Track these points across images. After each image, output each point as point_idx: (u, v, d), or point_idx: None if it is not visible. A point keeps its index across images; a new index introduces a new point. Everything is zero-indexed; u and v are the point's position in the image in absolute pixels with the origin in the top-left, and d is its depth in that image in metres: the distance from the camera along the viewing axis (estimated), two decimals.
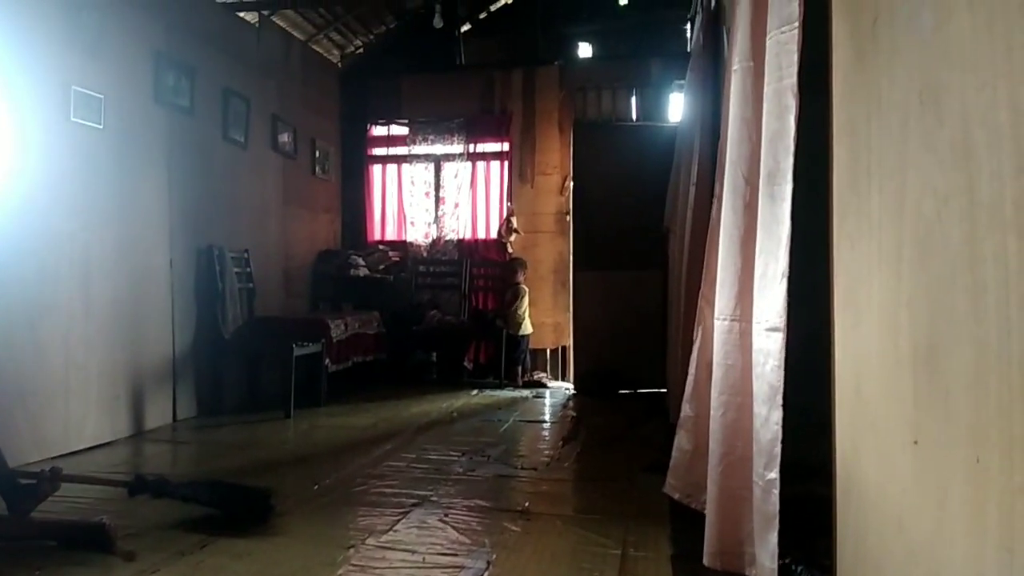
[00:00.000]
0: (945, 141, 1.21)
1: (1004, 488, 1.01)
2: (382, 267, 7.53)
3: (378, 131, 8.10)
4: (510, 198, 7.64)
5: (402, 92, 7.93)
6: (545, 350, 7.59)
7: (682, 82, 6.04)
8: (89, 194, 4.46)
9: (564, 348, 7.59)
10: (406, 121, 7.91)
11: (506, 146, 7.69)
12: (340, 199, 7.98)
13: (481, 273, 7.68)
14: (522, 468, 4.03)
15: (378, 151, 8.10)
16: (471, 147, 7.74)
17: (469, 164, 7.75)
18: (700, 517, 2.53)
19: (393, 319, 7.22)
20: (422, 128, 7.84)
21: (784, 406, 1.99)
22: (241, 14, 6.36)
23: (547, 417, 5.75)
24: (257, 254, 6.20)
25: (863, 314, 1.67)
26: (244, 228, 6.14)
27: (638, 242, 6.48)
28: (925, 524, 1.30)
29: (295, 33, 7.21)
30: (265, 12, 6.58)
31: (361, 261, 7.38)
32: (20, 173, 3.99)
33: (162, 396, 5.14)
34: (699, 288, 3.00)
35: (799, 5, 1.93)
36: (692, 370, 2.97)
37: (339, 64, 8.08)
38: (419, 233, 7.87)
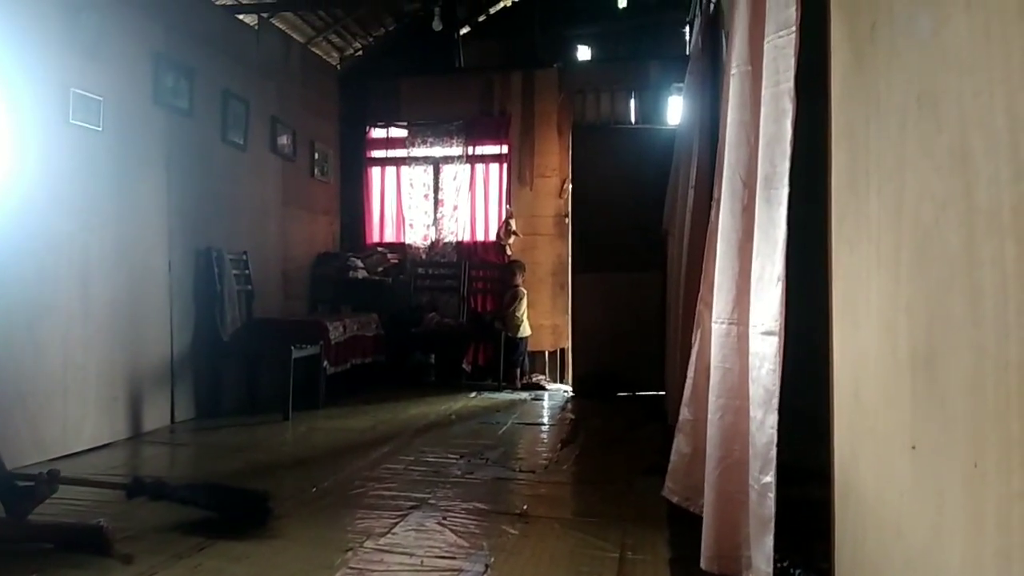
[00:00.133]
0: (943, 146, 1.22)
1: (1002, 494, 1.01)
2: (381, 269, 7.53)
3: (377, 133, 8.10)
4: (509, 200, 7.65)
5: (401, 94, 7.94)
6: (544, 352, 7.59)
7: (681, 85, 6.04)
8: (88, 196, 4.46)
9: (563, 350, 7.59)
10: (405, 123, 7.91)
11: (505, 148, 7.70)
12: (339, 201, 7.98)
13: (480, 275, 7.68)
14: (520, 471, 4.03)
15: (377, 153, 8.10)
16: (470, 149, 7.74)
17: (468, 166, 7.75)
18: (699, 521, 2.53)
19: (392, 321, 7.22)
20: (421, 130, 7.84)
21: (781, 409, 1.99)
22: (240, 16, 6.36)
23: (545, 419, 5.75)
24: (256, 256, 6.20)
25: (861, 318, 1.67)
26: (243, 230, 6.14)
27: (637, 244, 6.48)
28: (923, 529, 1.30)
29: (294, 35, 7.21)
30: (264, 14, 6.59)
31: (360, 263, 7.38)
32: (19, 175, 3.99)
33: (160, 398, 5.13)
34: (698, 291, 3.00)
35: (796, 10, 1.94)
36: (691, 373, 2.97)
37: (338, 66, 8.08)
38: (418, 235, 7.87)
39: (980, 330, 1.07)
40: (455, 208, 7.78)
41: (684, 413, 3.00)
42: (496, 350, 7.12)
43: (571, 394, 6.85)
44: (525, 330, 7.21)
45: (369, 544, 2.85)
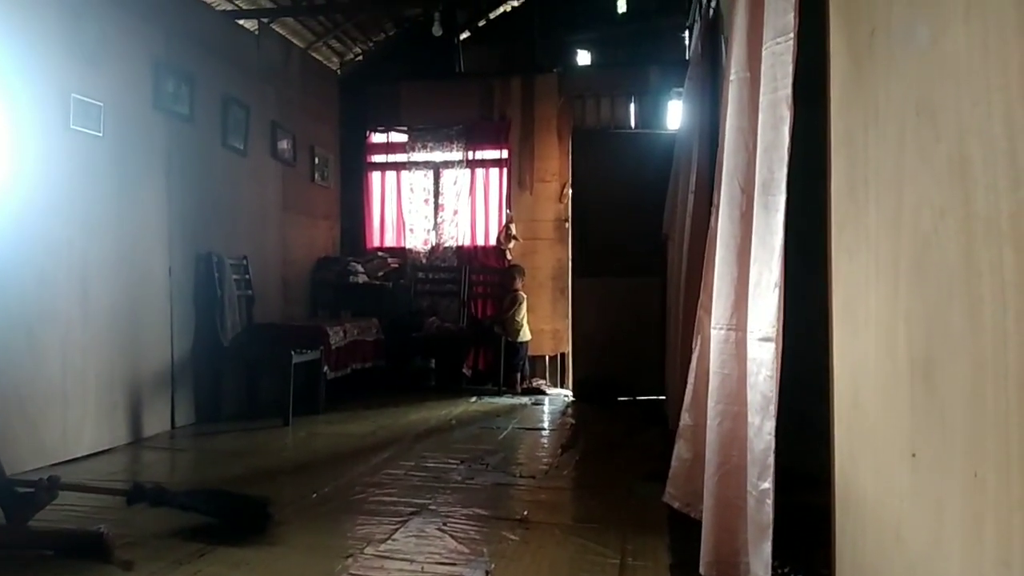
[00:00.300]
0: (942, 154, 1.22)
1: (1001, 503, 1.01)
2: (381, 274, 7.53)
3: (377, 138, 8.11)
4: (509, 205, 7.65)
5: (401, 99, 7.95)
6: (544, 357, 7.59)
7: (680, 89, 6.06)
8: (88, 201, 4.47)
9: (563, 355, 7.59)
10: (405, 128, 7.92)
11: (505, 153, 7.71)
12: (339, 206, 7.98)
13: (480, 280, 7.69)
14: (521, 476, 4.03)
15: (377, 158, 8.11)
16: (470, 154, 7.75)
17: (468, 171, 7.76)
18: (699, 526, 2.52)
19: (392, 326, 7.22)
20: (421, 135, 7.85)
21: (779, 415, 1.99)
22: (241, 21, 6.37)
23: (546, 424, 5.75)
24: (256, 261, 6.20)
25: (861, 326, 1.67)
26: (243, 235, 6.14)
27: (637, 249, 6.48)
28: (923, 537, 1.30)
29: (295, 40, 7.22)
30: (265, 20, 6.60)
31: (360, 268, 7.38)
32: (19, 180, 4.00)
33: (160, 403, 5.13)
34: (698, 296, 3.00)
35: (794, 16, 1.94)
36: (691, 379, 2.97)
37: (338, 71, 8.10)
38: (418, 240, 7.88)
39: (979, 339, 1.07)
40: (455, 213, 7.79)
41: (685, 418, 3.00)
42: (496, 355, 7.12)
43: (571, 399, 6.85)
44: (525, 334, 7.21)
45: (369, 550, 2.85)
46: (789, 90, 1.95)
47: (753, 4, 2.38)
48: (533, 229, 7.63)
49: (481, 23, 8.32)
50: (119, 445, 4.66)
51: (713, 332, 2.55)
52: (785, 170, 1.96)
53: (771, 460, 1.97)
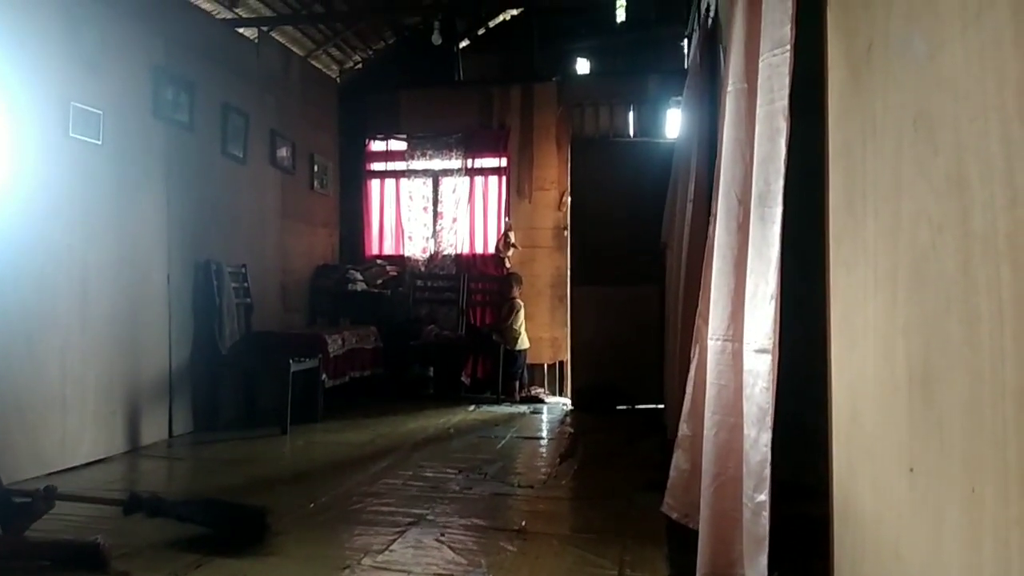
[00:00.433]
0: (939, 169, 1.22)
1: (999, 520, 1.00)
2: (380, 282, 7.53)
3: (376, 146, 8.13)
4: (508, 213, 7.66)
5: (401, 107, 7.96)
6: (543, 365, 7.58)
7: (679, 98, 6.07)
8: (87, 209, 4.47)
9: (562, 363, 7.58)
10: (404, 136, 7.94)
11: (504, 161, 7.72)
12: (338, 213, 7.99)
13: (479, 288, 7.69)
14: (519, 486, 4.02)
15: (376, 166, 8.12)
16: (469, 162, 7.77)
17: (467, 179, 7.78)
18: (697, 537, 2.52)
19: (391, 334, 7.21)
20: (420, 143, 7.86)
21: (776, 427, 1.98)
22: (241, 30, 6.39)
23: (544, 433, 5.74)
24: (255, 269, 6.20)
25: (859, 339, 1.67)
26: (242, 243, 6.14)
27: (636, 257, 6.49)
28: (921, 553, 1.30)
29: (294, 48, 7.24)
30: (264, 28, 6.62)
31: (359, 276, 7.39)
32: (18, 188, 4.00)
33: (158, 411, 5.12)
34: (696, 305, 3.00)
35: (791, 29, 1.94)
36: (689, 389, 2.97)
37: (338, 79, 8.11)
38: (417, 248, 7.88)
39: (977, 355, 1.07)
40: (454, 221, 7.79)
41: (683, 429, 2.99)
42: (495, 363, 7.12)
43: (570, 407, 6.84)
44: (523, 342, 7.20)
45: (367, 561, 2.84)
46: (786, 102, 1.95)
47: (750, 15, 2.38)
48: (532, 237, 7.63)
49: (480, 32, 8.36)
50: (117, 453, 4.65)
51: (710, 343, 2.55)
52: (782, 182, 1.96)
53: (767, 472, 1.97)
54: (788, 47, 1.95)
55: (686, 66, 6.10)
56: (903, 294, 1.39)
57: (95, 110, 4.50)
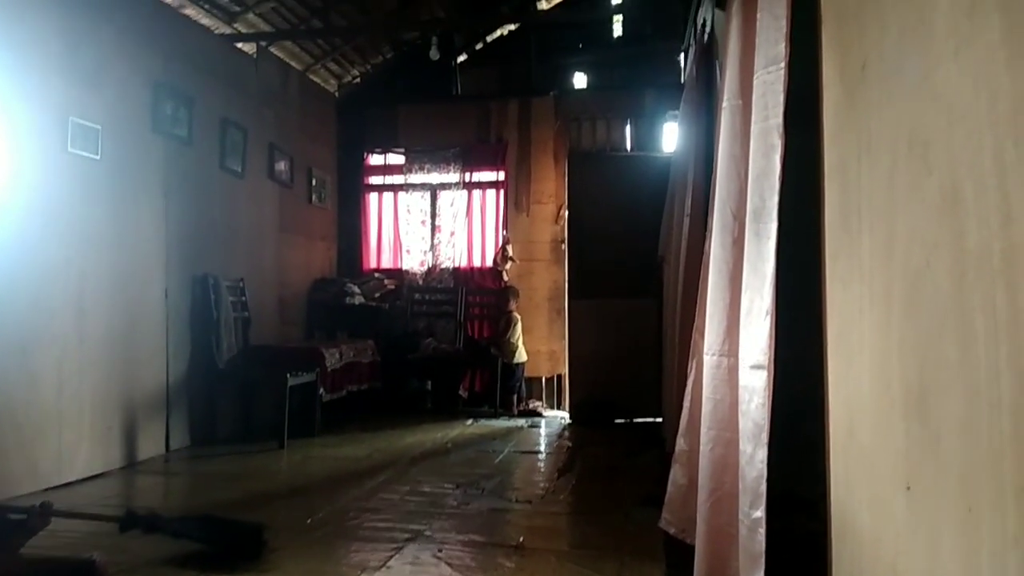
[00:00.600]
0: (934, 188, 1.22)
1: (996, 540, 1.00)
2: (378, 295, 7.53)
3: (375, 160, 8.15)
4: (505, 226, 7.68)
5: (399, 121, 7.99)
6: (541, 378, 7.57)
7: (676, 112, 6.08)
8: (85, 224, 4.47)
9: (560, 376, 7.57)
10: (403, 150, 7.96)
11: (502, 175, 7.74)
12: (336, 227, 8.00)
13: (477, 301, 7.69)
14: (517, 501, 4.00)
15: (375, 179, 8.14)
16: (467, 176, 7.79)
17: (465, 193, 7.79)
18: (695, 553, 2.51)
19: (388, 347, 7.20)
20: (418, 157, 7.88)
21: (774, 441, 1.98)
22: (239, 45, 6.41)
23: (542, 447, 5.73)
24: (253, 282, 6.20)
25: (855, 356, 1.67)
26: (240, 256, 6.14)
27: (633, 270, 6.50)
28: (919, 572, 1.30)
29: (293, 63, 7.26)
30: (263, 43, 6.64)
31: (356, 289, 7.38)
32: (16, 203, 4.00)
33: (155, 426, 5.11)
34: (693, 319, 3.00)
35: (785, 46, 1.96)
36: (687, 403, 2.96)
37: (336, 93, 8.14)
38: (415, 261, 7.88)
39: (972, 374, 1.07)
40: (452, 234, 7.80)
41: (680, 444, 2.99)
42: (493, 376, 7.11)
43: (568, 421, 6.83)
44: (521, 356, 7.19)
45: None
46: (780, 119, 1.96)
47: (745, 33, 2.40)
48: (530, 250, 7.64)
49: (478, 46, 8.40)
50: (113, 469, 4.63)
51: (706, 358, 2.55)
52: (776, 198, 1.97)
53: (763, 488, 1.96)
54: (782, 65, 1.97)
55: (682, 80, 6.13)
56: (898, 311, 1.39)
57: (94, 125, 4.51)
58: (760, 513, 1.97)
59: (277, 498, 4.12)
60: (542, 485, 4.41)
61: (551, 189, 7.63)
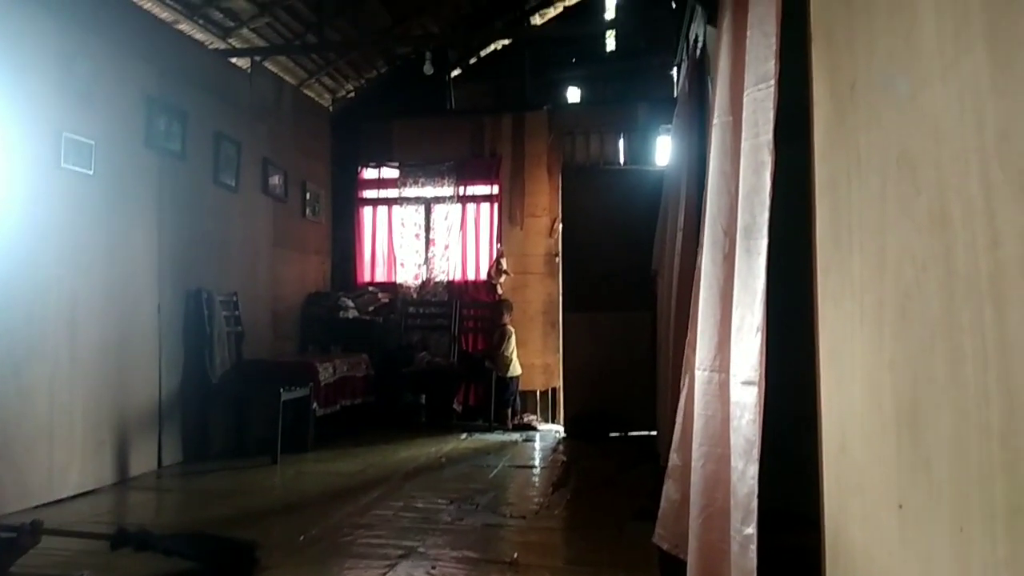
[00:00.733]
0: (922, 208, 1.23)
1: (987, 560, 1.01)
2: (372, 309, 7.51)
3: (369, 174, 8.16)
4: (499, 240, 7.68)
5: (393, 136, 8.01)
6: (535, 392, 7.56)
7: (669, 126, 6.12)
8: (78, 239, 4.46)
9: (554, 390, 7.56)
10: (397, 164, 7.97)
11: (495, 189, 7.76)
12: (330, 241, 8.00)
13: (471, 314, 7.69)
14: (511, 516, 3.99)
15: (369, 193, 8.15)
16: (461, 190, 7.80)
17: (459, 206, 7.81)
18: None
19: (382, 361, 7.18)
20: (412, 171, 7.90)
21: (766, 457, 1.98)
22: (233, 60, 6.43)
23: (537, 462, 5.71)
24: (246, 297, 6.19)
25: (847, 372, 1.68)
26: (233, 271, 6.13)
27: (627, 283, 6.50)
28: None
29: (287, 78, 7.28)
30: (257, 58, 6.66)
31: (351, 303, 7.37)
32: (8, 218, 3.99)
33: (148, 442, 5.08)
34: (686, 334, 3.01)
35: (775, 64, 1.97)
36: (679, 418, 2.96)
37: (330, 108, 8.16)
38: (409, 275, 7.88)
39: (962, 394, 1.08)
40: (446, 248, 7.81)
41: (673, 458, 2.99)
42: (487, 390, 7.09)
43: (563, 435, 6.81)
44: (515, 369, 7.18)
45: None
46: (770, 136, 1.97)
47: (735, 50, 2.42)
48: (524, 264, 7.65)
49: (472, 61, 8.44)
50: (105, 485, 4.60)
51: (698, 373, 2.56)
52: (767, 214, 1.97)
53: (754, 505, 1.96)
54: (772, 82, 1.98)
55: (675, 94, 6.16)
56: (889, 330, 1.40)
57: (87, 140, 4.51)
58: (751, 530, 1.97)
59: (270, 514, 4.09)
60: (536, 500, 4.40)
61: (545, 202, 7.65)
